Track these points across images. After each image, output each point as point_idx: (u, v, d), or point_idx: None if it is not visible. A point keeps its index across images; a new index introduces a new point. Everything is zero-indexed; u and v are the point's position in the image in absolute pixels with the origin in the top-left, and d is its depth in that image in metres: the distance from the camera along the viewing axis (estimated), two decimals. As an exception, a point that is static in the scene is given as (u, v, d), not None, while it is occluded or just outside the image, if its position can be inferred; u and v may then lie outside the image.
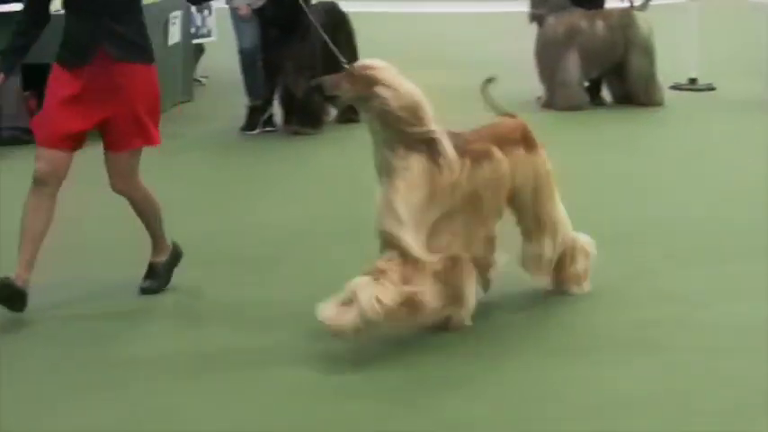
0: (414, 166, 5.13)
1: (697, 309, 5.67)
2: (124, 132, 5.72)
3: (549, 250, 5.75)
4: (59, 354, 5.25)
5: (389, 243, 5.13)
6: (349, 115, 10.21)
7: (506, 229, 5.78)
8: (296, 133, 10.14)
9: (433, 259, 5.16)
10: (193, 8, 11.47)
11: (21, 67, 9.56)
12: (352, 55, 9.94)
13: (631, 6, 11.25)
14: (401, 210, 5.10)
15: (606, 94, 11.41)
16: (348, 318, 4.98)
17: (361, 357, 5.07)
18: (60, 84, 5.68)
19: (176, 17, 11.35)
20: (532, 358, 5.13)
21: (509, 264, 5.84)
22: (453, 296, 5.33)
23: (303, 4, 6.58)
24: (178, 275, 6.13)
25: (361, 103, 5.27)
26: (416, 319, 5.21)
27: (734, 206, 7.55)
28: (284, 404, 4.72)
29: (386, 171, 5.17)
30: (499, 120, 5.76)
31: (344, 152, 9.33)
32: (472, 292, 5.43)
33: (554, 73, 11.04)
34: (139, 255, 6.10)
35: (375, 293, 4.97)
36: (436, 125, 5.20)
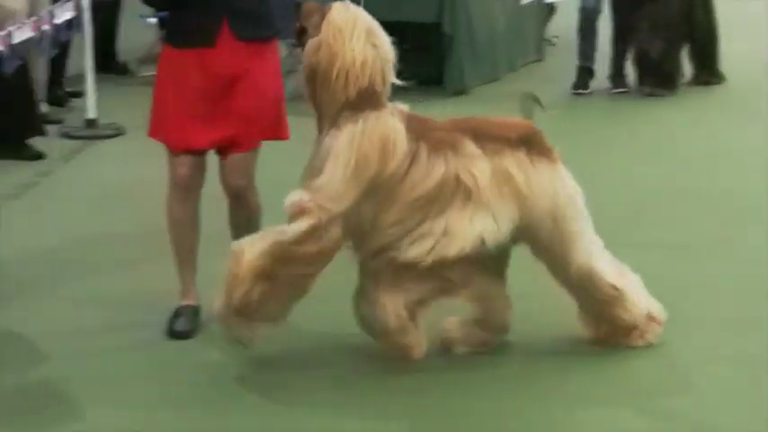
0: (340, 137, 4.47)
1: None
2: (256, 125, 4.92)
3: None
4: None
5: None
6: (705, 77, 9.93)
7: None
8: (649, 95, 9.96)
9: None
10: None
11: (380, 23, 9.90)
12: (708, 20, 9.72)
13: None
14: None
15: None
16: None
17: (374, 404, 4.47)
18: (177, 71, 4.87)
19: (530, -24, 11.37)
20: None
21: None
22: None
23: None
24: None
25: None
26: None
27: None
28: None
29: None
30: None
31: (699, 118, 9.09)
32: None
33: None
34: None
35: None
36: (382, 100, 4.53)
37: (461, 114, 9.13)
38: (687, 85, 10.27)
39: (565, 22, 12.60)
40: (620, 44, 10.10)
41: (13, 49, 7.53)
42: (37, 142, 8.05)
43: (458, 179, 4.49)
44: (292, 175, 4.70)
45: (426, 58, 10.52)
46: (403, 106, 4.69)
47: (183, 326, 5.02)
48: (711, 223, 6.57)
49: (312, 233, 4.40)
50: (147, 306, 5.32)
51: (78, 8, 8.38)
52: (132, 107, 9.02)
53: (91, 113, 8.64)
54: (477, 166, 4.51)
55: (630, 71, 10.25)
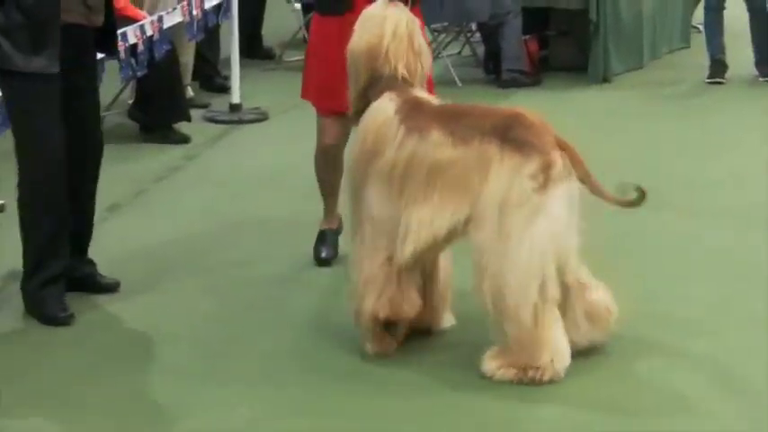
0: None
1: None
2: None
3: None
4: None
5: None
6: None
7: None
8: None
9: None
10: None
11: (521, 11, 9.85)
12: None
13: None
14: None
15: None
16: None
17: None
18: (326, 40, 5.34)
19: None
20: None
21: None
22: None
23: None
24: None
25: None
26: None
27: None
28: None
29: None
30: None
31: None
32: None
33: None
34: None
35: None
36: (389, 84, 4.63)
37: (605, 103, 9.21)
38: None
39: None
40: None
41: (164, 33, 7.68)
42: (182, 126, 8.20)
43: (419, 164, 4.48)
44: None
45: (571, 45, 10.43)
46: (419, 91, 4.70)
47: (324, 252, 5.65)
48: None
49: None
50: (289, 284, 5.41)
51: (227, -7, 8.51)
52: (276, 92, 9.15)
53: (235, 98, 8.75)
54: (437, 153, 4.46)
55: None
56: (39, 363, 4.68)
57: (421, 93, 4.74)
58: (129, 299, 5.28)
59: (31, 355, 4.77)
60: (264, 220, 6.32)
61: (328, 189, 5.72)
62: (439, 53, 10.28)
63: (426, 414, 4.27)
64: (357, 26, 4.77)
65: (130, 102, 8.41)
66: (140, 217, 6.50)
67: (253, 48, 10.57)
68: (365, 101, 4.72)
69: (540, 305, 4.33)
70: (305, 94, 5.62)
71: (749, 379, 4.49)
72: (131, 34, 7.43)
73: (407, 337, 4.77)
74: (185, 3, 8.07)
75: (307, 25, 9.43)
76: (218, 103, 9.00)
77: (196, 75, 9.31)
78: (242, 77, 8.79)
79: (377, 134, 4.61)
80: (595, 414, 4.25)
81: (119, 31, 7.28)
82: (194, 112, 8.70)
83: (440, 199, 4.46)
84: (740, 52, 10.01)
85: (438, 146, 4.46)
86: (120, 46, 7.14)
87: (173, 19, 7.87)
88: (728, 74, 9.89)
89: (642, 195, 4.49)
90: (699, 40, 11.37)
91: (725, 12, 9.87)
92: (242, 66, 8.85)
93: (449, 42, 10.63)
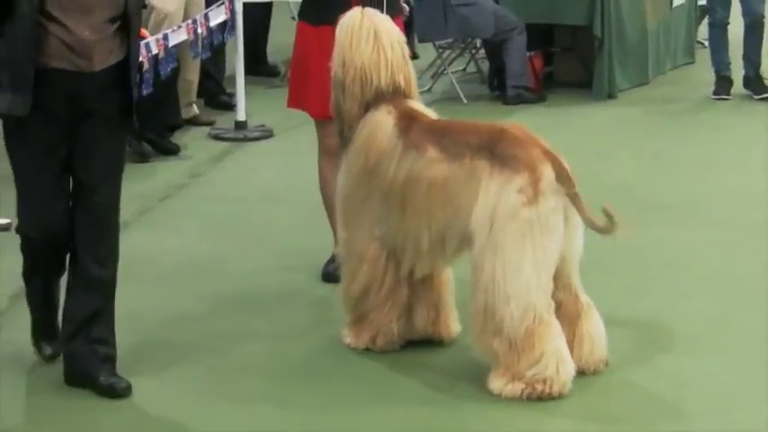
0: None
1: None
2: None
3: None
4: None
5: None
6: None
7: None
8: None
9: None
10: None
11: (525, 27, 9.84)
12: None
13: None
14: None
15: None
16: None
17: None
18: (314, 46, 5.38)
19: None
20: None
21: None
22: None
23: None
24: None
25: None
26: None
27: None
28: None
29: None
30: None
31: None
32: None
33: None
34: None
35: None
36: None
37: (610, 119, 9.21)
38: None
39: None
40: None
41: (169, 51, 7.67)
42: (188, 142, 8.20)
43: (417, 180, 4.52)
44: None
45: (576, 61, 10.43)
46: (415, 103, 4.77)
47: (336, 270, 5.37)
48: None
49: None
50: (296, 300, 5.41)
51: (231, 11, 8.51)
52: (281, 109, 9.03)
53: (240, 115, 8.76)
54: (433, 169, 4.49)
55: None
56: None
57: (417, 105, 4.79)
58: (137, 317, 5.27)
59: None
60: (270, 237, 6.32)
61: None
62: (444, 70, 10.28)
63: (431, 427, 4.26)
64: (344, 38, 4.75)
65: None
66: (147, 235, 6.49)
67: (257, 65, 10.58)
68: (362, 114, 4.73)
69: (536, 319, 4.32)
70: (295, 103, 5.61)
71: (752, 395, 4.48)
72: (136, 52, 7.42)
73: (415, 343, 4.84)
74: (190, 21, 8.07)
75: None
76: (223, 121, 9.01)
77: (201, 92, 9.32)
78: (247, 95, 8.80)
79: (379, 151, 4.63)
80: (601, 428, 4.24)
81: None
82: (199, 130, 8.72)
83: (438, 215, 4.50)
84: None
85: (434, 162, 4.52)
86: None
87: (178, 37, 7.87)
88: (733, 90, 9.88)
89: (612, 224, 4.40)
90: (703, 56, 11.38)
91: (729, 27, 9.87)
92: (247, 83, 8.86)
93: (454, 59, 10.64)
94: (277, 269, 5.83)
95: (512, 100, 9.75)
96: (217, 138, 8.69)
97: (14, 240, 4.73)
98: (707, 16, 11.87)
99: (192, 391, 4.58)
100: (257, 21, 10.21)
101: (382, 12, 5.00)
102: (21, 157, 4.46)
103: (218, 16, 8.38)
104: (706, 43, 11.74)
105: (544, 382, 4.36)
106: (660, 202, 6.85)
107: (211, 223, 6.73)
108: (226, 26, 8.57)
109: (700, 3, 11.86)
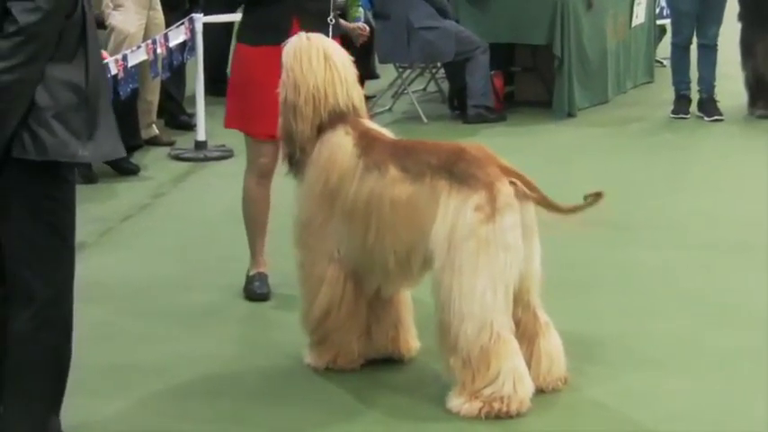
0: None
1: None
2: None
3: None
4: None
5: None
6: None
7: None
8: (762, 117, 9.79)
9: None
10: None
11: (489, 46, 9.86)
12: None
13: None
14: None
15: None
16: None
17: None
18: (256, 67, 5.43)
19: (642, -3, 11.27)
20: None
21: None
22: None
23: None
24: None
25: None
26: None
27: None
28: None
29: None
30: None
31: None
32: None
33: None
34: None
35: None
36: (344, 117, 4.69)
37: (570, 138, 9.25)
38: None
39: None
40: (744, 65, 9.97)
41: (128, 72, 7.65)
42: (148, 162, 8.15)
43: (379, 200, 4.53)
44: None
45: (536, 81, 10.48)
46: (370, 123, 4.80)
47: (261, 288, 5.67)
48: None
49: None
50: (257, 322, 5.36)
51: (192, 31, 8.49)
52: (242, 129, 9.12)
53: (201, 135, 8.73)
54: (395, 189, 4.50)
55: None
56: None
57: (372, 125, 4.81)
58: (92, 339, 5.22)
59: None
60: (231, 258, 6.28)
61: (260, 226, 5.73)
62: (404, 89, 10.30)
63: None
64: (293, 60, 4.74)
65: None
66: (108, 256, 6.44)
67: (218, 85, 10.54)
68: (314, 136, 4.72)
69: (492, 337, 4.32)
70: (234, 123, 5.65)
71: (718, 414, 4.48)
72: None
73: (377, 362, 4.84)
74: (150, 41, 8.05)
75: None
76: (184, 141, 8.98)
77: (161, 112, 9.29)
78: (207, 115, 8.76)
79: (339, 172, 4.63)
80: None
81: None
82: (160, 150, 8.67)
83: (402, 235, 4.51)
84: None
85: (396, 182, 4.51)
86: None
87: (137, 57, 7.85)
88: (691, 108, 9.96)
89: (596, 197, 4.46)
90: (662, 75, 11.49)
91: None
92: (207, 103, 8.83)
93: (414, 78, 10.66)
94: (240, 290, 5.79)
95: (473, 119, 9.78)
96: (177, 158, 8.66)
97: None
98: (665, 35, 12.01)
99: (153, 413, 4.53)
100: (217, 41, 10.19)
101: (328, 36, 5.04)
102: None
103: (177, 36, 8.37)
104: (665, 62, 11.88)
105: (501, 400, 4.34)
106: (627, 222, 6.86)
107: (174, 243, 6.70)
108: (186, 46, 8.55)
109: (659, 22, 11.99)
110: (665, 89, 10.54)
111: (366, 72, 10.19)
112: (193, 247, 6.60)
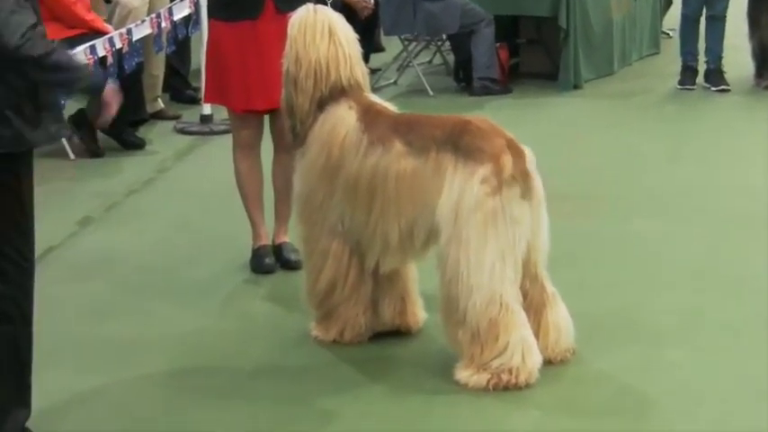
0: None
1: None
2: None
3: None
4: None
5: None
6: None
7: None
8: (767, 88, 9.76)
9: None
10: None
11: (494, 18, 9.83)
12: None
13: None
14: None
15: None
16: None
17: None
18: (229, 42, 5.46)
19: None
20: None
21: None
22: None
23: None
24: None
25: None
26: None
27: None
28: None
29: None
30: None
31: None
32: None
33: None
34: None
35: None
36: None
37: (576, 110, 9.22)
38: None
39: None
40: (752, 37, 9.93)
41: (133, 46, 7.64)
42: (153, 136, 8.14)
43: (384, 175, 4.51)
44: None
45: (541, 53, 10.44)
46: (374, 97, 4.78)
47: (265, 261, 5.68)
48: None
49: None
50: (261, 295, 5.38)
51: (196, 5, 8.47)
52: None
53: (206, 109, 8.71)
54: (400, 164, 4.48)
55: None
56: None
57: (375, 99, 4.79)
58: (97, 313, 5.23)
59: None
60: (236, 232, 6.29)
61: (252, 198, 5.72)
62: (410, 62, 10.27)
63: (400, 421, 4.25)
64: (297, 33, 4.72)
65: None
66: (112, 230, 6.45)
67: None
68: (314, 110, 4.71)
69: (501, 309, 4.32)
70: (214, 97, 5.70)
71: (721, 387, 4.49)
72: (100, 47, 7.38)
73: (383, 336, 4.84)
74: (154, 15, 8.03)
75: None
76: (189, 115, 8.96)
77: (166, 87, 9.27)
78: (212, 89, 8.73)
79: (342, 146, 4.61)
80: (570, 420, 4.24)
81: (86, 45, 7.28)
82: (165, 124, 8.66)
83: (407, 210, 4.50)
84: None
85: (401, 157, 4.49)
86: (90, 59, 7.10)
87: (141, 31, 7.83)
88: (697, 80, 9.93)
89: None
90: (668, 46, 11.44)
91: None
92: (212, 77, 8.80)
93: (419, 51, 10.63)
94: (245, 264, 5.79)
95: (478, 92, 9.75)
96: (182, 132, 8.65)
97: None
98: (671, 6, 11.96)
99: (160, 387, 4.55)
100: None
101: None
102: None
103: (182, 10, 8.35)
104: (671, 33, 11.83)
105: (510, 371, 4.36)
106: (632, 195, 6.85)
107: (179, 218, 6.69)
108: (190, 20, 8.53)
109: (664, -7, 11.93)
110: (671, 61, 10.49)
111: (371, 45, 10.19)
112: (199, 221, 6.60)
